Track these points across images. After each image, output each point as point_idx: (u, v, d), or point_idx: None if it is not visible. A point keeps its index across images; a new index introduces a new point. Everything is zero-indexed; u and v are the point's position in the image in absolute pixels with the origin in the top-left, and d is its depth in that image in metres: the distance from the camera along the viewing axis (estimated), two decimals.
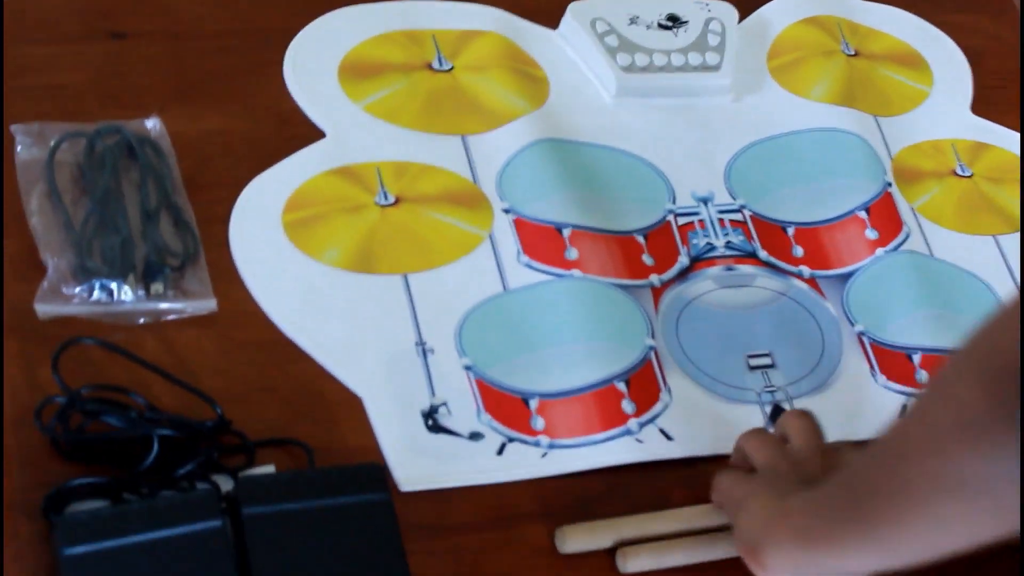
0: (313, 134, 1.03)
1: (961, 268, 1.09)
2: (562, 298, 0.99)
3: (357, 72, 1.08)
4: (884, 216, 1.10)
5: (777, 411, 0.99)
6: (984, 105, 1.22)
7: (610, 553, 0.89)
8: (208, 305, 0.92)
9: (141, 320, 0.90)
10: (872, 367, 1.02)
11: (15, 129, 0.95)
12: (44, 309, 0.88)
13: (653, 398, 0.97)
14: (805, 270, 1.06)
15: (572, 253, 1.01)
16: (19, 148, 0.94)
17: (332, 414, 0.91)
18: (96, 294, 0.89)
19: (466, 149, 1.06)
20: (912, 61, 1.23)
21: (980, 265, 1.10)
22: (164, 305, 0.90)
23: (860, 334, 1.04)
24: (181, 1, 1.07)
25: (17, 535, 0.79)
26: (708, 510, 0.93)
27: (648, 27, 1.14)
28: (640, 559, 0.90)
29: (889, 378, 1.02)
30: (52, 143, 0.94)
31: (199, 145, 0.99)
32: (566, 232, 1.02)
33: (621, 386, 0.96)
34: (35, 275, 0.90)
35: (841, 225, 1.09)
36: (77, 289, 0.89)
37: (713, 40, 1.15)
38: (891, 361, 1.03)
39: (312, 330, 0.94)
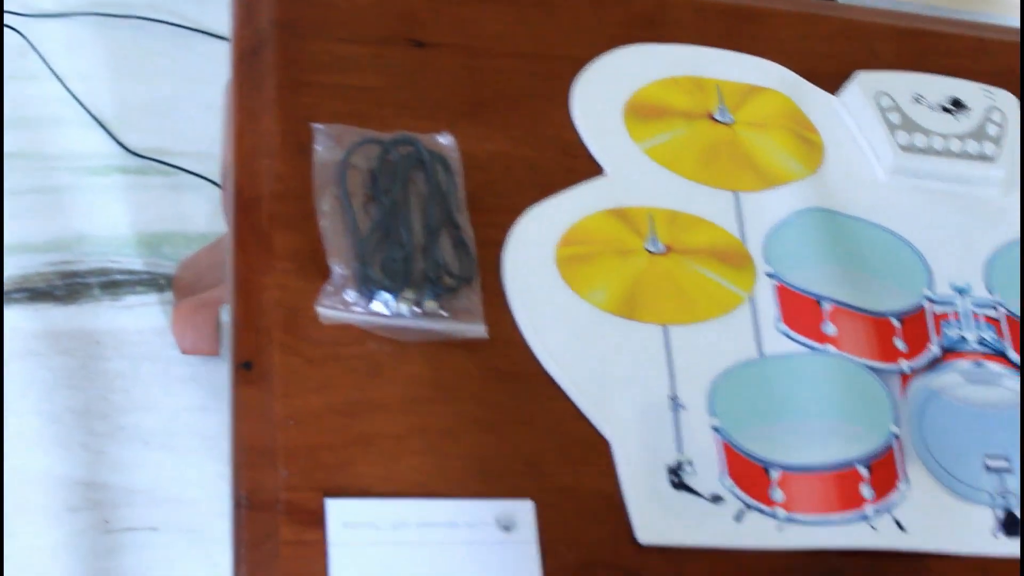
0: (592, 169, 1.04)
1: None
2: (816, 372, 1.00)
3: (642, 112, 1.09)
4: None
5: (1010, 518, 0.99)
6: None
7: None
8: (478, 330, 0.93)
9: (412, 337, 0.92)
10: None
11: (317, 128, 0.97)
12: (326, 313, 0.90)
13: (891, 486, 0.97)
14: None
15: (829, 328, 1.02)
16: (318, 148, 0.96)
17: (581, 454, 0.92)
18: (375, 305, 0.92)
19: (737, 206, 1.06)
20: None
21: None
22: (437, 326, 0.92)
23: None
24: (482, 16, 1.08)
25: None
26: None
27: (931, 108, 1.14)
28: None
29: None
30: (349, 147, 0.96)
31: (484, 166, 1.00)
32: (826, 306, 1.02)
33: (862, 470, 0.96)
34: (317, 276, 0.92)
35: None
36: (356, 297, 0.91)
37: (992, 130, 1.14)
38: None
39: (572, 368, 0.95)
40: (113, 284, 1.54)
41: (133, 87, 1.67)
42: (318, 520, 0.85)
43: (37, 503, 1.38)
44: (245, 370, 0.89)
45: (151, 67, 1.70)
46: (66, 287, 1.50)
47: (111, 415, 1.44)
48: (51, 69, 1.64)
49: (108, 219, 1.56)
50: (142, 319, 1.50)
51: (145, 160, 1.61)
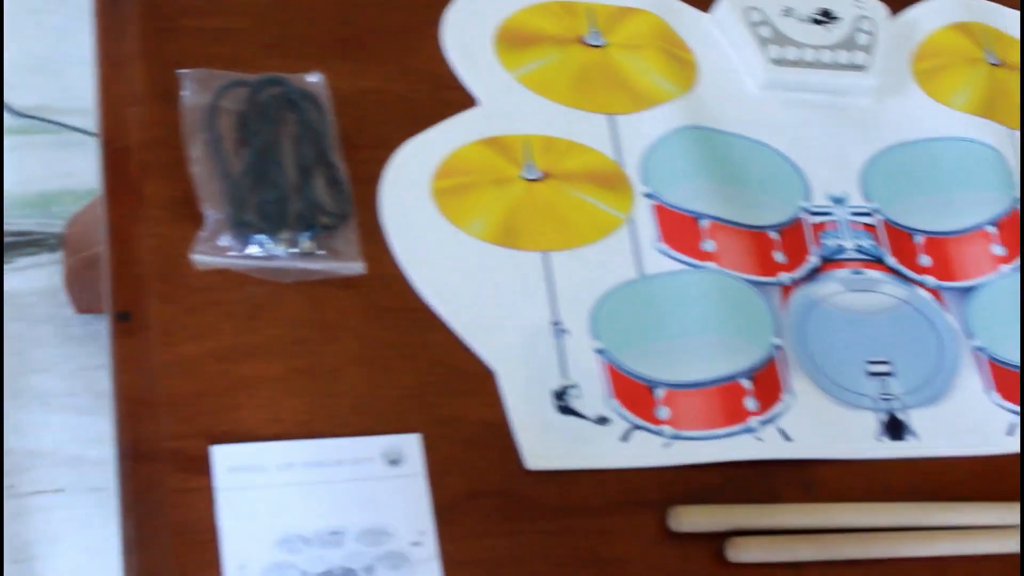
0: (466, 100, 1.04)
1: None
2: (696, 290, 1.01)
3: (513, 40, 1.09)
4: (1012, 233, 1.10)
5: (892, 421, 1.01)
6: None
7: (719, 543, 0.92)
8: (355, 267, 0.93)
9: (289, 278, 0.92)
10: (987, 383, 1.04)
11: (183, 74, 0.96)
12: (201, 259, 0.90)
13: (775, 397, 0.98)
14: (930, 280, 1.07)
15: (708, 245, 1.02)
16: (186, 93, 0.95)
17: (466, 386, 0.93)
18: (250, 248, 0.91)
19: (613, 128, 1.07)
20: None
21: None
22: (314, 266, 0.92)
23: (978, 349, 1.05)
24: None
25: None
26: (820, 509, 0.96)
27: (801, 20, 1.14)
28: (750, 550, 0.92)
29: (1003, 396, 1.03)
30: (217, 89, 0.95)
31: (356, 103, 1.00)
32: (704, 223, 1.03)
33: (746, 383, 0.98)
34: (191, 223, 0.91)
35: (969, 238, 1.10)
36: (231, 241, 0.91)
37: (863, 39, 1.15)
38: (1006, 379, 1.04)
39: (453, 301, 0.95)
40: (4, 247, 1.53)
41: (13, 46, 1.65)
42: (204, 467, 0.85)
43: None
44: (122, 321, 0.89)
45: (30, 24, 1.67)
46: None
47: (9, 378, 1.43)
48: None
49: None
50: (35, 280, 1.49)
51: (30, 119, 1.59)
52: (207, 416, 0.86)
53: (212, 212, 0.91)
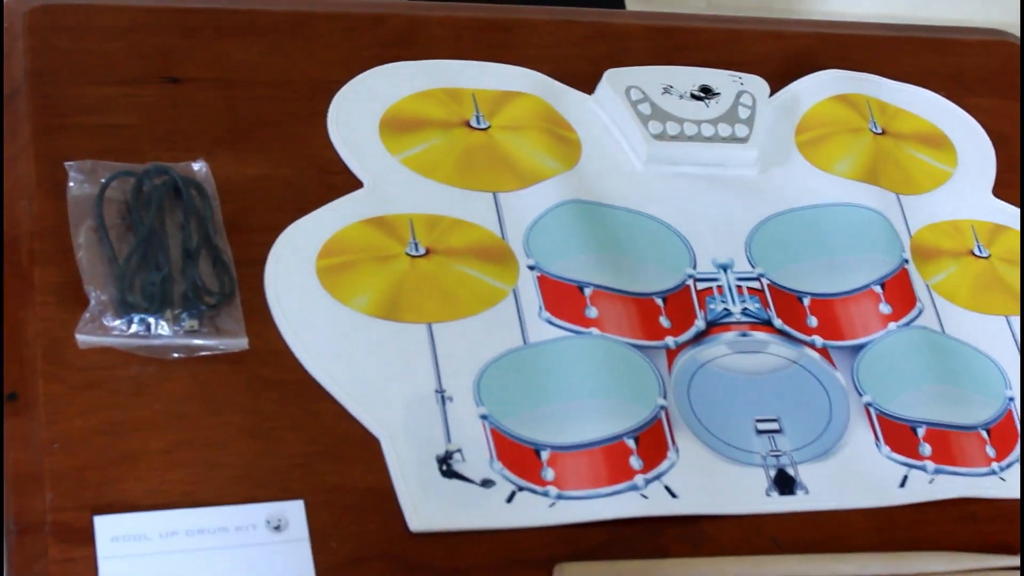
0: (352, 184, 1.07)
1: (971, 346, 1.13)
2: (579, 354, 1.03)
3: (397, 126, 1.13)
4: (899, 291, 1.13)
5: (781, 476, 1.03)
6: (1006, 188, 1.25)
7: None
8: (240, 343, 0.96)
9: (175, 355, 0.95)
10: (877, 438, 1.06)
11: (69, 166, 1.00)
12: (84, 339, 0.93)
13: (661, 456, 1.00)
14: (818, 340, 1.09)
15: (592, 312, 1.05)
16: (72, 184, 0.99)
17: (351, 453, 0.95)
18: (134, 327, 0.94)
19: (497, 206, 1.10)
20: (938, 142, 1.26)
21: (991, 344, 1.14)
22: (198, 341, 0.95)
23: (867, 405, 1.07)
24: (236, 49, 1.11)
25: None
26: (708, 563, 0.97)
27: (681, 97, 1.18)
28: None
29: (893, 449, 1.05)
30: (103, 181, 0.99)
31: (242, 189, 1.04)
32: (587, 291, 1.06)
33: (630, 443, 1.00)
34: (77, 306, 0.94)
35: (856, 298, 1.13)
36: (117, 322, 0.94)
37: (743, 113, 1.19)
38: (896, 433, 1.06)
39: (337, 372, 0.98)
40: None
41: None
42: (87, 537, 0.87)
43: None
44: (11, 401, 0.92)
45: None
46: None
47: None
48: None
49: None
50: None
51: None
52: (91, 489, 0.89)
53: (97, 293, 0.94)
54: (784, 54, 1.26)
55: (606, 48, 1.21)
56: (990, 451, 1.07)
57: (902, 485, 1.04)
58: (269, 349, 0.98)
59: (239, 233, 1.02)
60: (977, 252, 1.20)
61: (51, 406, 0.91)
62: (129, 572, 0.87)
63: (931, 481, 1.05)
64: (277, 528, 0.91)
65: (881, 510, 1.03)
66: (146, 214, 0.99)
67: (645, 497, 0.98)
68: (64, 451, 0.90)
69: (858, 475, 1.04)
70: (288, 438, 0.95)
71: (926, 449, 1.06)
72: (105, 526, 0.88)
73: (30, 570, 0.86)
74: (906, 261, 1.16)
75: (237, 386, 0.96)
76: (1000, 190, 1.25)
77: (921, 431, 1.07)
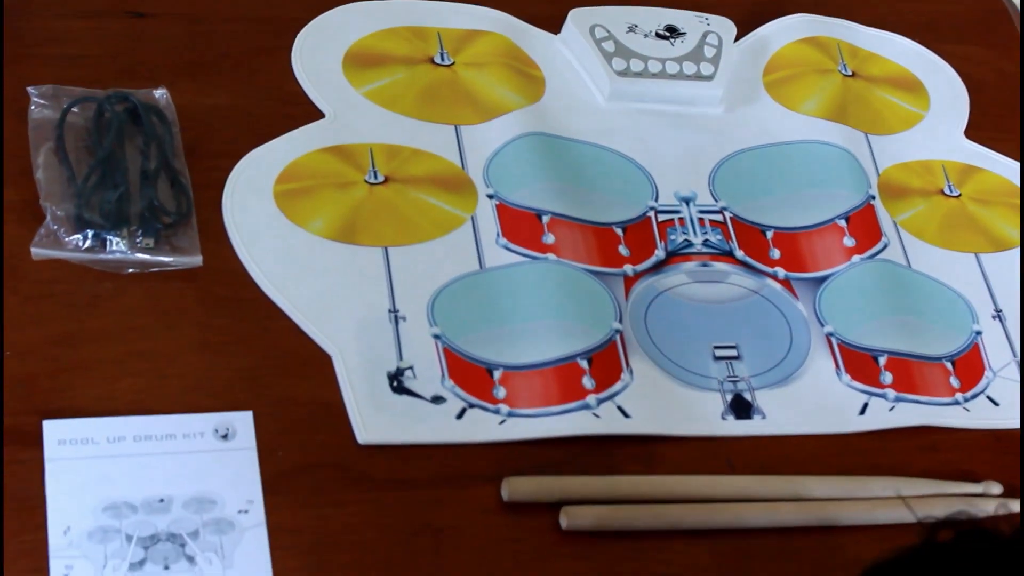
0: (314, 115, 1.09)
1: (937, 280, 1.13)
2: (534, 278, 1.04)
3: (361, 61, 1.14)
4: (863, 226, 1.13)
5: (738, 400, 1.03)
6: (979, 131, 1.24)
7: (555, 515, 0.93)
8: (194, 261, 0.98)
9: (129, 270, 0.96)
10: (838, 366, 1.05)
11: (31, 90, 1.02)
12: (39, 252, 0.95)
13: (614, 377, 1.01)
14: (780, 271, 1.10)
15: (549, 238, 1.06)
16: (32, 108, 1.01)
17: (302, 368, 0.96)
18: (89, 243, 0.96)
19: (458, 138, 1.11)
20: (909, 85, 1.27)
21: (958, 280, 1.13)
22: (152, 257, 0.96)
23: (829, 335, 1.07)
24: None
25: None
26: (660, 481, 0.97)
27: (646, 36, 1.19)
28: (584, 518, 0.93)
29: (854, 377, 1.05)
30: (64, 105, 1.01)
31: (203, 118, 1.05)
32: (545, 219, 1.07)
33: (583, 363, 1.00)
34: (35, 223, 0.96)
35: (820, 232, 1.13)
36: (73, 237, 0.96)
37: (709, 52, 1.19)
38: (857, 361, 1.06)
39: (290, 290, 0.99)
40: None
41: None
42: (35, 440, 0.88)
43: None
44: None
45: None
46: None
47: None
48: None
49: None
50: None
51: None
52: (41, 395, 0.90)
53: (53, 209, 0.96)
54: (754, 1, 1.27)
55: None
56: (954, 382, 1.07)
57: (862, 412, 1.04)
58: (224, 268, 0.99)
59: (198, 159, 1.03)
60: (947, 191, 1.19)
61: (5, 316, 0.93)
62: (73, 473, 0.88)
63: (891, 409, 1.04)
64: (224, 437, 0.92)
65: (840, 437, 1.03)
66: (106, 137, 1.00)
67: (597, 416, 0.98)
68: (16, 359, 0.91)
69: (817, 402, 1.04)
70: (239, 352, 0.96)
71: (887, 377, 1.06)
72: (53, 430, 0.89)
73: None
74: (872, 198, 1.16)
75: (190, 302, 0.97)
76: (972, 134, 1.25)
77: (882, 360, 1.06)
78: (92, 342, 0.93)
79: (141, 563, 0.86)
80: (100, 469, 0.89)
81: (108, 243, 0.96)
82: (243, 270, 0.99)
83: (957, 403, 1.06)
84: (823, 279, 1.10)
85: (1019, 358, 1.10)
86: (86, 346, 0.93)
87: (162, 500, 0.89)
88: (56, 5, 1.09)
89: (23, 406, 0.90)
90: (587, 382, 1.00)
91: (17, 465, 0.88)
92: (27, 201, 0.98)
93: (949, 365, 1.08)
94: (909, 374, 1.06)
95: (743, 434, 1.01)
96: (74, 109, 1.02)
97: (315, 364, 0.97)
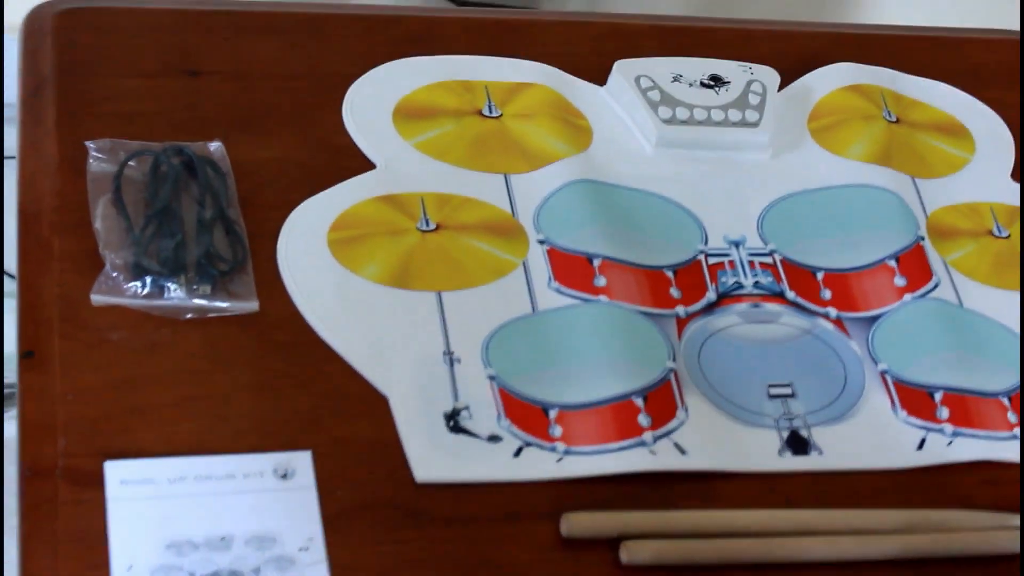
0: (365, 167, 1.11)
1: (990, 318, 1.12)
2: (587, 320, 1.05)
3: (411, 114, 1.16)
4: (914, 265, 1.14)
5: (794, 437, 1.03)
6: None
7: (614, 550, 0.93)
8: (251, 306, 0.99)
9: (187, 316, 0.98)
10: (893, 403, 1.05)
11: (89, 145, 1.05)
12: (99, 299, 0.96)
13: (670, 415, 1.01)
14: (832, 311, 1.10)
15: (600, 281, 1.07)
16: (91, 162, 1.03)
17: (358, 409, 0.97)
18: (148, 289, 0.97)
19: (508, 186, 1.12)
20: (954, 130, 1.27)
21: (1010, 318, 1.13)
22: (209, 303, 0.98)
23: (883, 372, 1.07)
24: (255, 46, 1.16)
25: None
26: (718, 515, 0.97)
27: (691, 85, 1.21)
28: (645, 552, 0.93)
29: (910, 413, 1.05)
30: (122, 158, 1.04)
31: (257, 169, 1.07)
32: (596, 262, 1.08)
33: (639, 401, 1.00)
34: (94, 272, 0.98)
35: (870, 272, 1.13)
36: (131, 284, 0.97)
37: (754, 99, 1.21)
38: (913, 398, 1.06)
39: (345, 334, 1.00)
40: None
41: None
42: (97, 481, 0.89)
43: None
44: (27, 358, 0.95)
45: None
46: None
47: None
48: None
49: None
50: None
51: None
52: (102, 437, 0.91)
53: (112, 257, 0.98)
54: (797, 54, 1.28)
55: (617, 45, 1.23)
56: (1011, 417, 1.06)
57: (920, 447, 1.04)
58: (279, 314, 1.00)
59: (252, 209, 1.05)
60: (996, 232, 1.20)
61: (66, 362, 0.94)
62: (135, 512, 0.89)
63: (949, 444, 1.04)
64: (284, 476, 0.93)
65: (899, 473, 1.03)
66: (162, 188, 1.03)
67: (653, 453, 0.98)
68: (77, 402, 0.93)
69: (874, 438, 1.04)
70: (296, 395, 0.97)
71: (944, 413, 1.05)
72: (115, 470, 0.90)
73: (38, 511, 0.88)
74: (921, 238, 1.16)
75: (247, 346, 0.98)
76: (1018, 175, 1.25)
77: (938, 395, 1.06)
78: (151, 386, 0.94)
79: None
80: (162, 508, 0.89)
81: (166, 290, 0.98)
82: (298, 315, 1.00)
83: (1015, 437, 1.06)
84: (875, 318, 1.10)
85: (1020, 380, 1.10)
86: (145, 390, 0.94)
87: (223, 538, 0.89)
88: (112, 66, 1.11)
89: (85, 448, 0.91)
90: (643, 420, 1.00)
91: (79, 505, 0.89)
92: (87, 251, 0.99)
93: (1006, 401, 1.07)
94: (966, 409, 1.06)
95: (800, 470, 1.01)
96: (131, 163, 1.04)
97: (371, 405, 0.97)
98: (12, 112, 1.11)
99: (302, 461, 0.94)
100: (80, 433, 0.91)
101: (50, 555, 0.86)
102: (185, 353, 0.97)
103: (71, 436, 0.91)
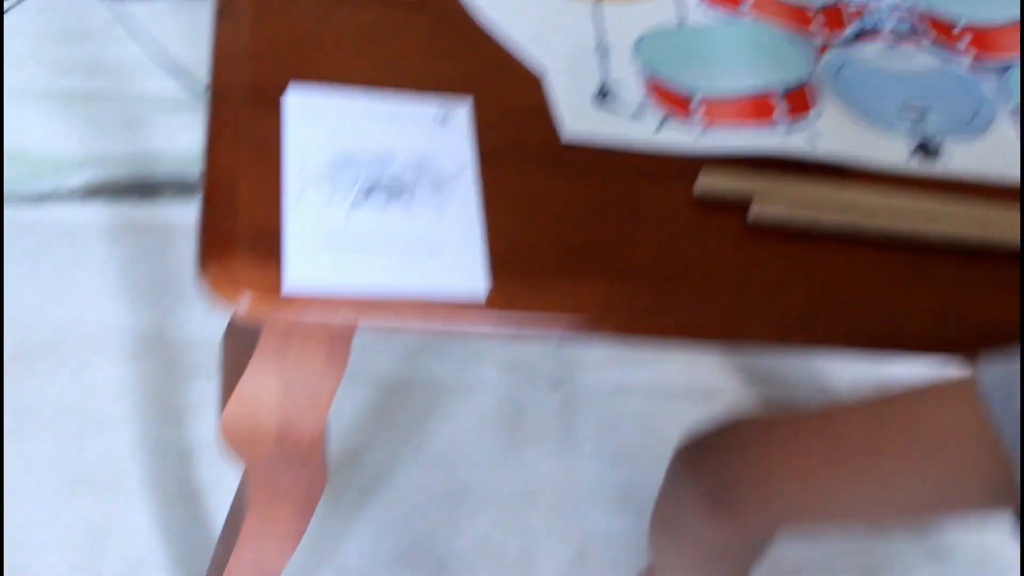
0: None
1: None
2: (734, 32, 1.13)
3: None
4: None
5: (924, 146, 1.08)
6: None
7: (743, 212, 1.00)
8: None
9: None
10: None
11: None
12: None
13: (805, 110, 1.08)
14: (967, 58, 1.16)
15: (746, 6, 1.14)
16: None
17: (516, 77, 1.06)
18: None
19: None
20: None
21: None
22: None
23: (1013, 111, 1.12)
24: None
25: None
26: (851, 185, 1.03)
27: None
28: (774, 208, 1.00)
29: None
30: None
31: None
32: None
33: (778, 94, 1.08)
34: None
35: (1009, 27, 1.19)
36: None
37: None
38: None
39: (510, 20, 1.09)
40: (185, 188, 1.75)
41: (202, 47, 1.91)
42: (275, 101, 0.99)
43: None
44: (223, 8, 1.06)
45: None
46: (144, 188, 1.73)
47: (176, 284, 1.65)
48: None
49: (182, 143, 1.81)
50: None
51: None
52: (285, 67, 1.01)
53: None
54: None
55: None
56: None
57: None
58: (447, 7, 1.10)
59: None
60: None
61: (256, 8, 1.05)
62: (310, 127, 0.98)
63: None
64: (445, 116, 1.01)
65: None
66: None
67: (788, 137, 1.05)
68: (266, 39, 1.03)
69: (1001, 159, 1.09)
70: (459, 61, 1.06)
71: None
72: (295, 93, 1.00)
73: (226, 125, 0.98)
74: None
75: (419, 23, 1.07)
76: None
77: None
78: (334, 35, 1.04)
79: (366, 196, 0.95)
80: (333, 128, 0.99)
81: None
82: (466, 8, 1.10)
83: None
84: (1008, 68, 1.16)
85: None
86: (328, 38, 1.04)
87: (385, 156, 0.98)
88: None
89: (267, 75, 1.00)
90: (780, 111, 1.07)
91: (264, 117, 0.98)
92: None
93: None
94: None
95: (928, 175, 1.07)
96: None
97: (528, 77, 1.06)
98: None
99: (462, 105, 1.03)
100: (265, 62, 1.01)
101: (231, 156, 0.96)
102: (366, 20, 1.06)
103: (259, 63, 1.01)
